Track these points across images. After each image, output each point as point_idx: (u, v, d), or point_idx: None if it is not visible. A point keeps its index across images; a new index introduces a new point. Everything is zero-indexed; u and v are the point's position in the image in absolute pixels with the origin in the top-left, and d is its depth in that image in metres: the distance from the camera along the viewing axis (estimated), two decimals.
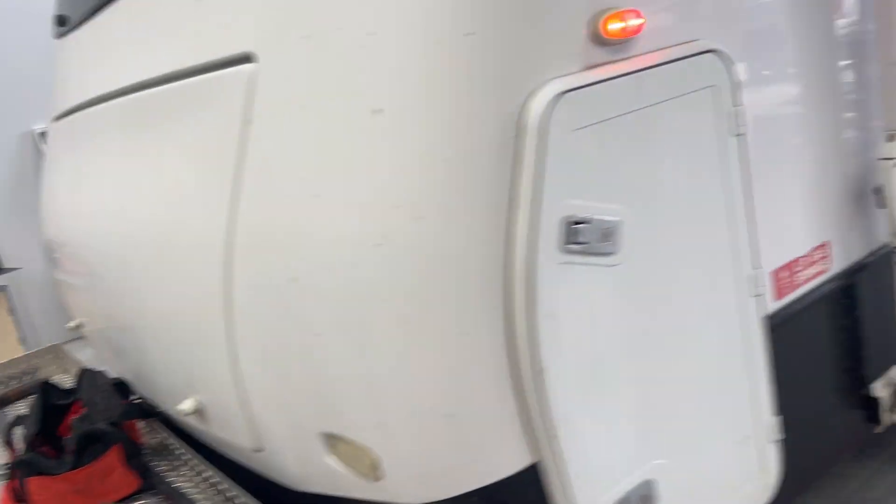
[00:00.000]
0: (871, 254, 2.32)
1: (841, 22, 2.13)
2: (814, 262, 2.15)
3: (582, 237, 1.52)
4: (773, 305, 2.03)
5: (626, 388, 1.66)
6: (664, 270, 1.71)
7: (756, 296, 1.91)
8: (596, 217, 1.54)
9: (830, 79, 2.12)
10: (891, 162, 2.13)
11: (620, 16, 1.57)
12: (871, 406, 2.42)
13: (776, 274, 2.04)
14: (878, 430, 2.47)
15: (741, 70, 1.84)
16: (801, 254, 2.11)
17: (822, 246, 2.17)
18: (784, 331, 2.07)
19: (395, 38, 1.48)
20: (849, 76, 2.17)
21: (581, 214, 1.52)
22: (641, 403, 1.69)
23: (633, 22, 1.59)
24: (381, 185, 1.47)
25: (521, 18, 1.46)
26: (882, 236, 2.31)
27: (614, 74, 1.56)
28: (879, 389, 2.40)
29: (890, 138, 2.12)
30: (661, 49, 1.67)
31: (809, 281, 2.15)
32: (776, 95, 2.00)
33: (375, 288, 1.49)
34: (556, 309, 1.50)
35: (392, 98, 1.47)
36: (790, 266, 2.08)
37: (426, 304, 1.46)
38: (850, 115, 2.19)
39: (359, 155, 1.51)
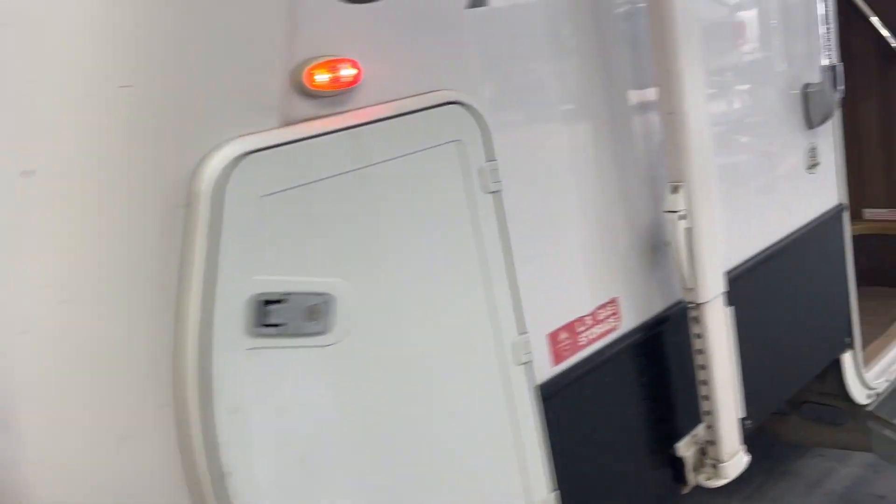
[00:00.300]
0: (669, 308, 2.22)
1: (620, 71, 2.02)
2: (600, 321, 2.02)
3: (277, 318, 1.32)
4: (549, 371, 1.89)
5: (349, 484, 1.46)
6: (400, 346, 1.53)
7: (523, 364, 1.76)
8: (297, 293, 1.35)
9: (611, 130, 2.01)
10: (675, 215, 2.02)
11: (330, 66, 1.39)
12: (677, 466, 2.31)
13: (553, 337, 1.90)
14: (685, 490, 2.36)
15: (500, 122, 1.70)
16: (584, 313, 1.98)
17: (609, 303, 2.05)
18: (566, 397, 1.93)
19: (49, 89, 1.26)
20: (633, 126, 2.07)
21: (276, 291, 1.32)
22: (373, 500, 1.50)
23: (347, 72, 1.42)
24: (27, 260, 1.24)
25: (193, 68, 1.27)
26: (679, 291, 2.21)
27: (322, 131, 1.38)
28: (683, 449, 2.30)
29: (674, 190, 2.02)
30: (390, 101, 1.51)
31: (596, 341, 2.02)
32: (546, 147, 1.87)
33: (21, 382, 1.25)
34: (243, 402, 1.30)
35: (44, 158, 1.25)
36: (570, 327, 1.94)
37: (78, 403, 1.23)
38: (635, 166, 2.09)
39: (7, 223, 1.28)
